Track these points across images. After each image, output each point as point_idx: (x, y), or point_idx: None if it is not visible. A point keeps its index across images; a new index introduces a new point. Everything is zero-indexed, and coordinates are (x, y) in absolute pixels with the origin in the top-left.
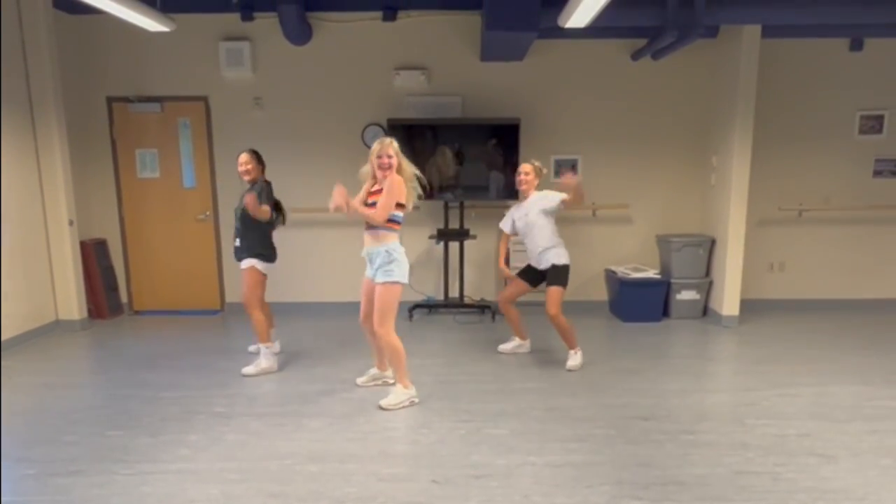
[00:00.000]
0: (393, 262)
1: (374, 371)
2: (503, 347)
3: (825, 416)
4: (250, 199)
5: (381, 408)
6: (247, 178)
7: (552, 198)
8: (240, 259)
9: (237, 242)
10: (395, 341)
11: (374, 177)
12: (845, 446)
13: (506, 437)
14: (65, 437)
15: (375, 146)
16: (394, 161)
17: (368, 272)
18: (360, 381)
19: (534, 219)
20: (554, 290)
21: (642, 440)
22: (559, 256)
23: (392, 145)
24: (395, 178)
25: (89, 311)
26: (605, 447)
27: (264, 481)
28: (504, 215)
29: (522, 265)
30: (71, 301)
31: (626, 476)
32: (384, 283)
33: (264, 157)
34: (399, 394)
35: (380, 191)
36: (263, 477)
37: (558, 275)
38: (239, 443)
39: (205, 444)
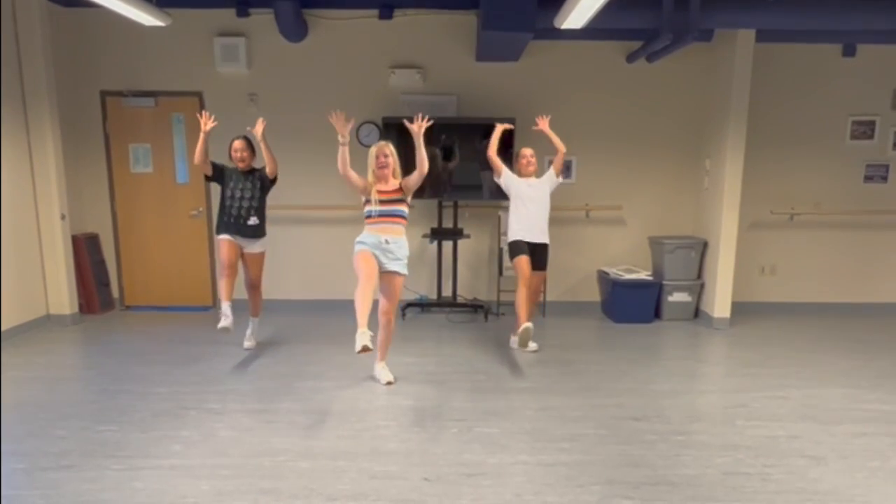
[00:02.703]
0: (407, 255)
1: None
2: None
3: (814, 419)
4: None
5: (392, 382)
6: (242, 165)
7: (552, 176)
8: (257, 237)
9: (252, 221)
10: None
11: (376, 177)
12: (834, 448)
13: (498, 436)
14: (55, 431)
15: (373, 149)
16: (390, 160)
17: (380, 259)
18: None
19: (544, 192)
20: (543, 274)
21: (633, 440)
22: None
23: (388, 146)
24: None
25: (80, 305)
26: (596, 447)
27: (256, 478)
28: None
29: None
30: (62, 295)
31: (617, 476)
32: (403, 276)
33: (257, 155)
34: (387, 368)
35: (392, 191)
36: (255, 473)
37: (546, 255)
38: (231, 439)
39: (197, 439)
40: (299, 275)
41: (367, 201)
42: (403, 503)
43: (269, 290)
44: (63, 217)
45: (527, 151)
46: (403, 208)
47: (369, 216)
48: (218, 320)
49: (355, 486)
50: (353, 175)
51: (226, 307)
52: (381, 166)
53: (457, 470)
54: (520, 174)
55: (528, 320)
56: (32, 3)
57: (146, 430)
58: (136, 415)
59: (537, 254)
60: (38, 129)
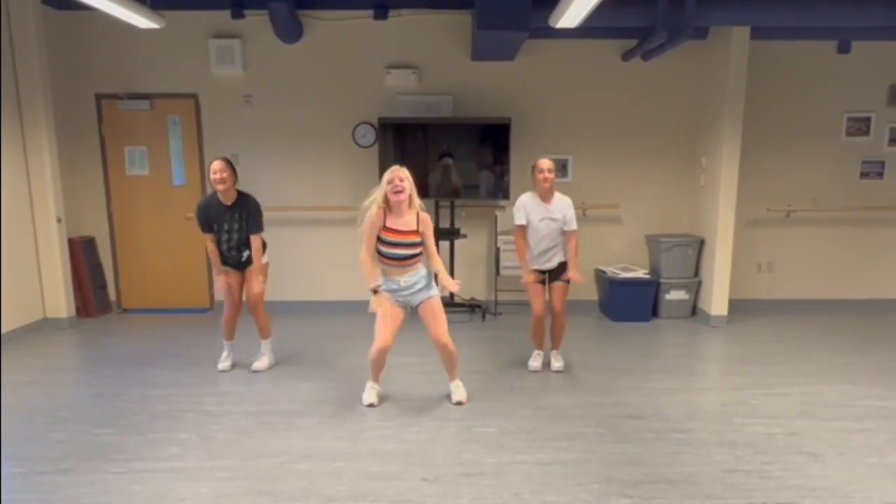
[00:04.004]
0: (432, 279)
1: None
2: (535, 365)
3: (812, 415)
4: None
5: (462, 403)
6: (221, 187)
7: (572, 211)
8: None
9: (247, 254)
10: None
11: (387, 204)
12: (832, 445)
13: (496, 436)
14: (53, 435)
15: (387, 174)
16: (406, 185)
17: (398, 299)
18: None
19: (558, 225)
20: (564, 286)
21: (632, 438)
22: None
23: (403, 170)
24: (426, 217)
25: (77, 309)
26: (594, 445)
27: (255, 479)
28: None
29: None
30: (59, 299)
31: (616, 474)
32: (438, 297)
33: (254, 156)
34: (462, 387)
35: (408, 232)
36: (254, 475)
37: (564, 269)
38: (229, 441)
39: (195, 442)
40: (297, 276)
41: (381, 241)
42: (402, 503)
43: (268, 293)
44: (59, 220)
45: (544, 165)
46: (420, 251)
47: (380, 253)
48: (216, 325)
49: (354, 486)
50: (367, 255)
51: (227, 347)
52: (397, 191)
53: (455, 470)
54: (535, 190)
55: (540, 347)
56: (27, 5)
57: (144, 433)
58: (134, 418)
59: (555, 272)
60: (33, 133)
